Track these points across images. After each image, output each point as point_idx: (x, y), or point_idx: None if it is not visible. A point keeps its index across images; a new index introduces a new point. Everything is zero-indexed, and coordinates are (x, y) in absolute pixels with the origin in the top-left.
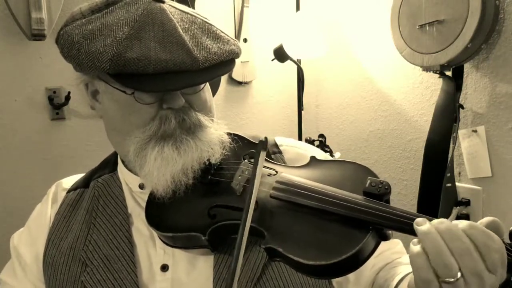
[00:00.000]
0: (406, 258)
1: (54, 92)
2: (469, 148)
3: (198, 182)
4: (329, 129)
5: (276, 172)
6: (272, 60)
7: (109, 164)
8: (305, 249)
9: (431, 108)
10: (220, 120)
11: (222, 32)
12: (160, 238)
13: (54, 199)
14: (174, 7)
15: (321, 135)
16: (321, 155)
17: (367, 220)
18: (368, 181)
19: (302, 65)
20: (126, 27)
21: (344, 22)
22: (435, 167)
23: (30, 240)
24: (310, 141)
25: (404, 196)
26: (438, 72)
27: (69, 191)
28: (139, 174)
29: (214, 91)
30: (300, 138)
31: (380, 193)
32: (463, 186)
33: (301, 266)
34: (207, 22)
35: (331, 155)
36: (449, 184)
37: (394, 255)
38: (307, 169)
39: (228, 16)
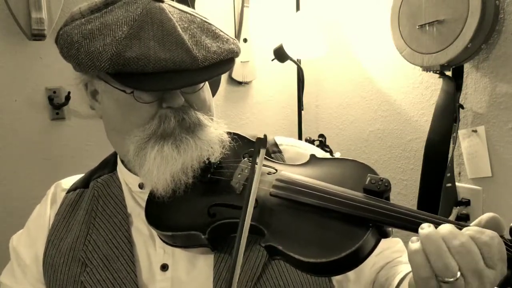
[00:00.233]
0: (406, 257)
1: (54, 92)
2: (469, 148)
3: (197, 181)
4: (329, 129)
5: (276, 170)
6: (272, 60)
7: (109, 164)
8: (305, 247)
9: (431, 108)
10: (220, 119)
11: (221, 31)
12: (160, 237)
13: (53, 200)
14: (173, 7)
15: (321, 135)
16: (321, 154)
17: (367, 218)
18: (368, 179)
19: (302, 65)
20: (125, 27)
21: (344, 22)
22: (435, 167)
23: (29, 241)
24: (310, 141)
25: (404, 196)
26: (438, 72)
27: (68, 191)
28: (138, 174)
29: (214, 91)
30: (300, 138)
31: (380, 190)
32: (463, 186)
33: (301, 263)
34: (206, 22)
35: (331, 155)
36: (449, 184)
37: (395, 254)
38: (307, 167)
39: (228, 16)
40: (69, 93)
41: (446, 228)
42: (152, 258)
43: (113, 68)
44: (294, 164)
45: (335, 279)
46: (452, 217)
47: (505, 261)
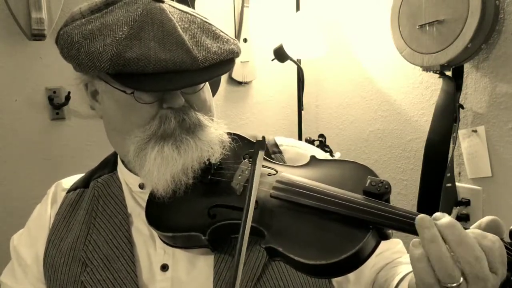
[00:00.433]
0: (406, 258)
1: (54, 92)
2: (469, 148)
3: (198, 182)
4: (329, 129)
5: (276, 171)
6: (272, 60)
7: (109, 164)
8: (305, 249)
9: (431, 108)
10: (220, 120)
11: (222, 31)
12: (160, 238)
13: (54, 200)
14: (174, 7)
15: (321, 135)
16: (321, 155)
17: (367, 220)
18: (368, 181)
19: (302, 65)
20: (125, 27)
21: (344, 22)
22: (435, 167)
23: (30, 241)
24: (310, 141)
25: (404, 196)
26: (438, 72)
27: (68, 191)
28: (139, 174)
29: (214, 91)
30: (300, 138)
31: (380, 192)
32: (463, 186)
33: (302, 265)
34: (206, 22)
35: (331, 155)
36: (449, 184)
37: (395, 254)
38: (307, 169)
39: (228, 16)
40: (69, 93)
41: (450, 231)
42: (152, 258)
43: (113, 68)
44: (295, 165)
45: (335, 280)
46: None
47: (506, 264)
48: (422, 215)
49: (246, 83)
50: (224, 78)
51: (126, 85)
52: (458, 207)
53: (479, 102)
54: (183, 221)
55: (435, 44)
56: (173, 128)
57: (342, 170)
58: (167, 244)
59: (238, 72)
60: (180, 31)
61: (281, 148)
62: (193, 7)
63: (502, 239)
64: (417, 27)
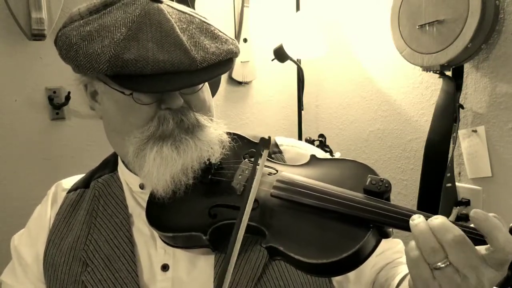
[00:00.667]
0: None
1: (54, 92)
2: (469, 148)
3: (198, 182)
4: (329, 129)
5: (277, 171)
6: (272, 60)
7: (109, 164)
8: (306, 248)
9: (431, 108)
10: (220, 120)
11: (220, 31)
12: (161, 238)
13: (54, 200)
14: (172, 7)
15: (321, 135)
16: (321, 154)
17: (367, 218)
18: (368, 179)
19: (302, 65)
20: (123, 28)
21: (344, 22)
22: (435, 167)
23: (30, 241)
24: (310, 141)
25: (404, 196)
26: (438, 72)
27: (69, 191)
28: (139, 175)
29: (214, 91)
30: (300, 138)
31: (380, 191)
32: (463, 186)
33: (302, 264)
34: (205, 22)
35: (331, 155)
36: (449, 184)
37: (395, 254)
38: (308, 168)
39: (228, 16)
40: (69, 93)
41: (437, 221)
42: (153, 258)
43: (112, 70)
44: (295, 165)
45: (336, 279)
46: (452, 217)
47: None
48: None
49: (246, 83)
50: (224, 78)
51: (125, 86)
52: (458, 207)
53: (479, 102)
54: (183, 221)
55: (435, 44)
56: (171, 129)
57: (342, 169)
58: (168, 244)
59: (238, 72)
60: (178, 31)
61: (281, 148)
62: (193, 7)
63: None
64: (417, 27)
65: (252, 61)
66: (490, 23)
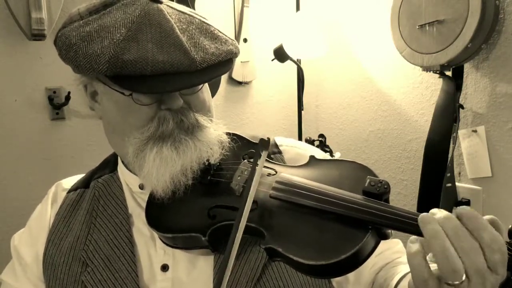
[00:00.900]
0: (406, 258)
1: (54, 92)
2: (469, 148)
3: (197, 183)
4: (329, 129)
5: (276, 172)
6: (272, 60)
7: (109, 164)
8: (305, 249)
9: (431, 108)
10: (220, 120)
11: (220, 32)
12: (160, 239)
13: (54, 200)
14: (172, 8)
15: (321, 135)
16: (320, 155)
17: (366, 220)
18: (368, 181)
19: (302, 65)
20: (123, 29)
21: (344, 22)
22: (435, 167)
23: (30, 241)
24: (310, 141)
25: (404, 196)
26: (438, 72)
27: (69, 191)
28: (138, 175)
29: (214, 91)
30: (300, 138)
31: (379, 192)
32: (463, 186)
33: (301, 266)
34: (205, 22)
35: (331, 155)
36: (449, 184)
37: (394, 254)
38: (307, 169)
39: (228, 16)
40: (69, 93)
41: (451, 224)
42: (152, 259)
43: (111, 70)
44: (294, 166)
45: (335, 280)
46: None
47: (505, 264)
48: (423, 213)
49: (246, 83)
50: (224, 78)
51: (124, 87)
52: (458, 207)
53: (479, 102)
54: (183, 222)
55: (435, 44)
56: (171, 130)
57: (341, 170)
58: (167, 244)
59: (238, 72)
60: (178, 32)
61: (280, 148)
62: (193, 7)
63: None
64: (417, 27)
65: (252, 61)
66: (490, 23)
